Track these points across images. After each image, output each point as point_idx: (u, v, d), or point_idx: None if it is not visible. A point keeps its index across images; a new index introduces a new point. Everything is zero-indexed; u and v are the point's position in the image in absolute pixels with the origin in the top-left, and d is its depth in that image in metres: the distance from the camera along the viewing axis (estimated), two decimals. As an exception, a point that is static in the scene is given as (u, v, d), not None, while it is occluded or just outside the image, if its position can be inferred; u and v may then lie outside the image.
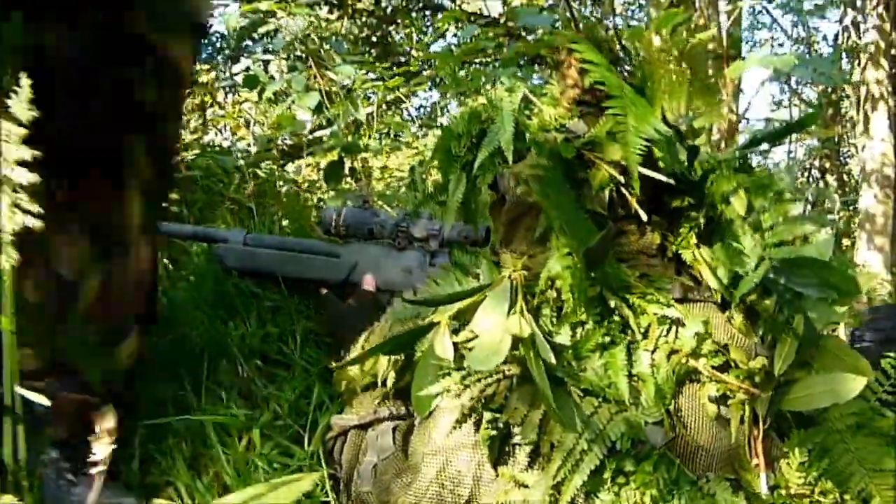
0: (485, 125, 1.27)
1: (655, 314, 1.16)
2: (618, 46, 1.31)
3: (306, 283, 1.76)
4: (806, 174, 9.58)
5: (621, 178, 1.20)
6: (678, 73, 1.25)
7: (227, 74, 4.40)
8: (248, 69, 3.75)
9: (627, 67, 1.30)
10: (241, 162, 3.16)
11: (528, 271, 1.18)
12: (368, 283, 1.68)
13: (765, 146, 1.36)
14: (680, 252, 1.26)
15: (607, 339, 1.14)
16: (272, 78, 3.33)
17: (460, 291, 1.19)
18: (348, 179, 3.20)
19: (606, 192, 1.21)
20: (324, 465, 1.30)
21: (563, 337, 1.14)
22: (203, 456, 1.30)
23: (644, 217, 1.22)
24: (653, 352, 1.14)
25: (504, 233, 1.31)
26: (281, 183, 3.50)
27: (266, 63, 3.77)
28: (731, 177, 1.25)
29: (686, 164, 1.25)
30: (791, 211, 1.23)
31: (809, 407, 1.16)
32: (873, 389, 1.33)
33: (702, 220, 1.26)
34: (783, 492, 1.10)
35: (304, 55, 3.60)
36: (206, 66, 5.26)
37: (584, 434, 1.05)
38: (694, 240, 1.26)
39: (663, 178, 1.19)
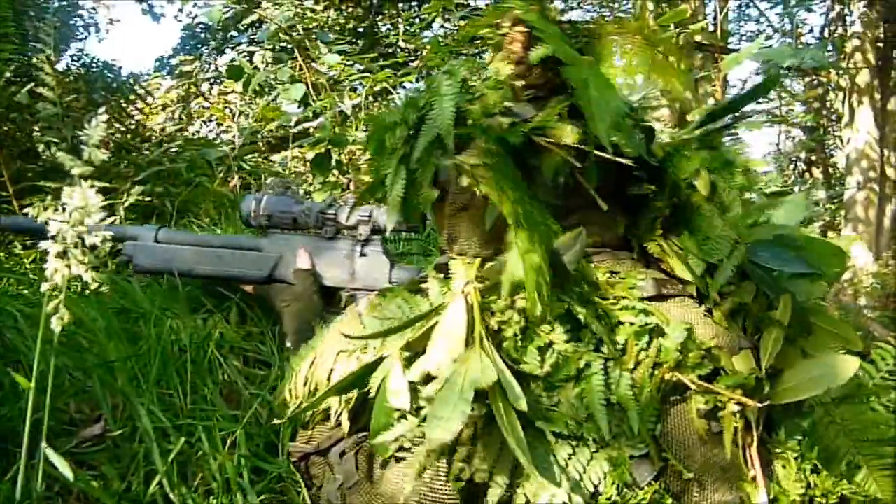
0: (422, 112, 1.15)
1: (632, 324, 1.07)
2: (567, 23, 1.23)
3: (228, 280, 1.68)
4: (792, 167, 9.60)
5: (577, 164, 1.10)
6: (638, 48, 1.19)
7: (213, 66, 4.34)
8: (232, 61, 3.70)
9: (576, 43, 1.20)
10: (226, 153, 3.13)
11: (483, 283, 1.08)
12: (303, 260, 1.61)
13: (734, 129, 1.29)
14: (645, 245, 1.19)
15: (581, 362, 1.04)
16: (257, 69, 3.30)
17: (408, 320, 1.09)
18: (335, 172, 3.18)
19: (561, 179, 1.13)
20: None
21: (531, 364, 1.04)
22: (188, 458, 1.27)
23: (604, 206, 1.13)
24: (633, 370, 1.05)
25: (448, 230, 1.23)
26: (266, 176, 3.47)
27: (251, 54, 3.73)
28: (692, 156, 1.17)
29: (644, 145, 1.17)
30: (761, 187, 1.18)
31: (803, 396, 1.06)
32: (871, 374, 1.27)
33: (665, 208, 1.18)
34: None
35: (289, 46, 3.57)
36: (190, 57, 5.22)
37: (562, 484, 0.96)
38: (659, 230, 1.19)
39: (623, 161, 1.09)
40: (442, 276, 1.18)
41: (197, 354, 1.49)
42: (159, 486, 1.17)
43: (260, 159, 3.74)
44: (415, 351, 1.08)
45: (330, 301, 1.59)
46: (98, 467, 1.24)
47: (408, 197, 1.18)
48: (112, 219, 2.38)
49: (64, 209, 0.78)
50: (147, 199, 2.65)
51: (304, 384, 1.24)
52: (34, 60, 2.82)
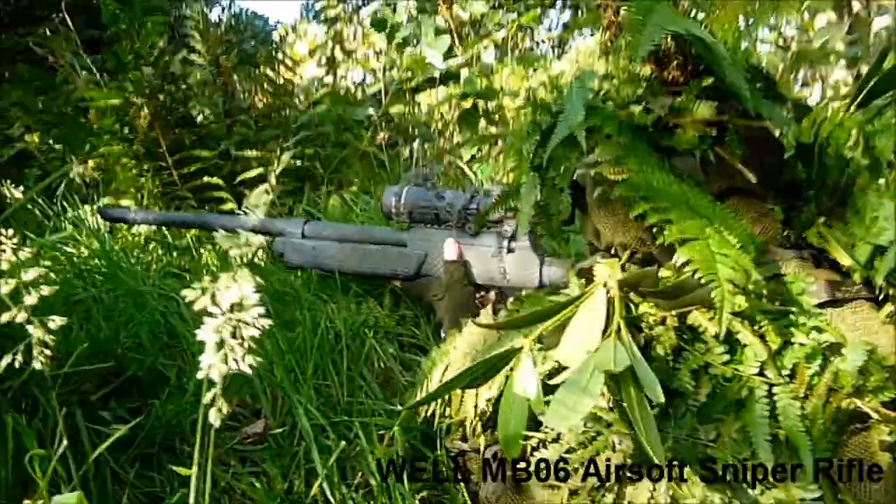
0: (554, 116, 1.07)
1: (802, 344, 0.94)
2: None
3: (376, 278, 1.64)
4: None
5: (713, 133, 1.00)
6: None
7: (356, 15, 4.30)
8: (376, 13, 3.65)
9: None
10: (372, 112, 3.10)
11: (628, 286, 0.98)
12: (451, 251, 1.52)
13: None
14: (804, 236, 1.04)
15: (742, 390, 0.93)
16: (401, 22, 3.23)
17: (543, 310, 1.00)
18: (483, 124, 3.09)
19: (698, 154, 1.01)
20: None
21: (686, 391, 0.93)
22: (347, 454, 1.25)
23: (752, 177, 1.00)
24: (803, 398, 0.92)
25: (592, 227, 1.14)
26: (413, 127, 3.42)
27: (394, 4, 3.65)
28: (846, 122, 1.03)
29: (792, 122, 1.04)
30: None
31: None
32: None
33: (824, 191, 1.05)
34: None
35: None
36: (334, 1, 5.19)
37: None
38: (820, 217, 1.05)
39: (768, 128, 0.98)
40: (583, 280, 1.09)
41: (352, 341, 1.47)
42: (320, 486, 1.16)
43: (406, 109, 3.70)
44: (549, 344, 1.01)
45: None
46: (260, 464, 1.24)
47: (545, 206, 1.12)
48: (267, 196, 2.42)
49: (216, 301, 0.73)
50: (297, 162, 2.66)
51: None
52: (186, 25, 2.87)
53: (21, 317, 0.85)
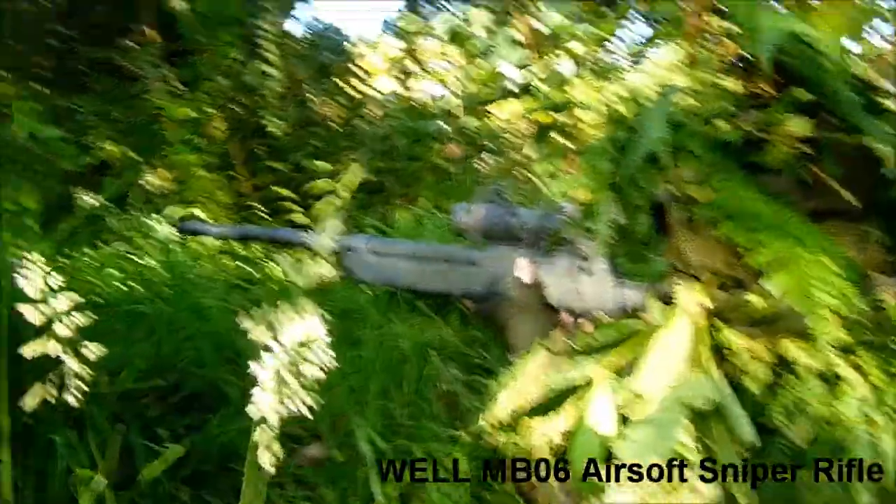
0: (632, 131, 1.01)
1: None
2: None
3: (448, 297, 1.58)
4: None
5: (809, 151, 0.92)
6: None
7: (431, 27, 4.28)
8: (451, 25, 3.61)
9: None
10: (444, 125, 3.06)
11: (715, 312, 0.91)
12: (524, 271, 1.43)
13: None
14: None
15: (843, 433, 0.84)
16: (474, 34, 3.18)
17: (620, 336, 0.96)
18: (558, 137, 3.02)
19: (790, 173, 0.93)
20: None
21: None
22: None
23: (851, 198, 0.90)
24: None
25: (676, 250, 1.06)
26: (487, 141, 3.37)
27: (467, 17, 3.61)
28: None
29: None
30: None
31: None
32: None
33: None
34: None
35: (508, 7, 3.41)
36: (413, 15, 5.20)
37: None
38: None
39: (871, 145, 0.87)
40: (664, 304, 1.01)
41: (418, 362, 1.41)
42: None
43: (479, 122, 3.65)
44: (627, 374, 0.95)
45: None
46: (316, 489, 1.19)
47: (623, 227, 1.04)
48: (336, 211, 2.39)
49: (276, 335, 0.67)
50: (370, 177, 2.63)
51: (507, 416, 1.11)
52: (261, 35, 2.88)
53: (53, 347, 0.78)
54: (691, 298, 0.94)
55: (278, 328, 0.67)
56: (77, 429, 1.08)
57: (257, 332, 0.66)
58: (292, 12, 5.21)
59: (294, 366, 0.66)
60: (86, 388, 0.78)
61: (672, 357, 0.88)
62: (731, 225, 0.85)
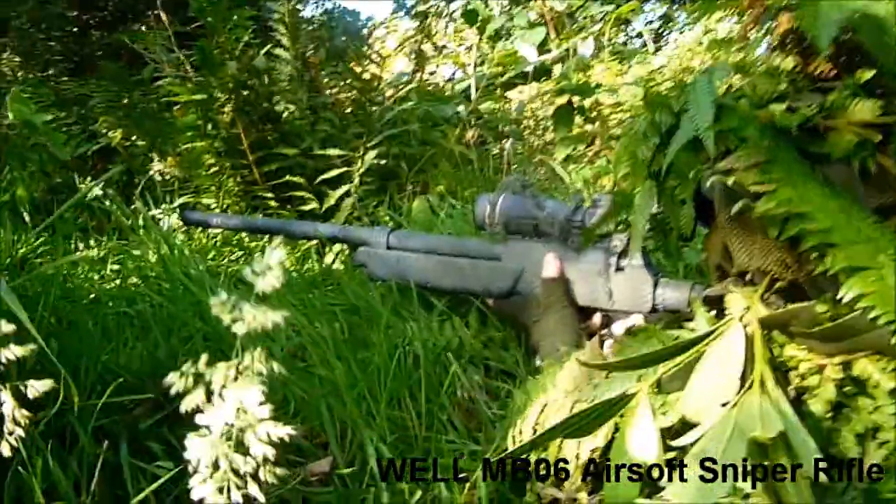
0: (677, 116, 0.91)
1: None
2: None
3: (468, 295, 1.47)
4: None
5: (877, 136, 0.81)
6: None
7: (447, 8, 4.17)
8: (467, 3, 3.49)
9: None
10: (461, 109, 2.95)
11: (774, 323, 0.80)
12: (551, 267, 1.34)
13: None
14: None
15: None
16: (491, 13, 3.07)
17: (663, 348, 0.84)
18: (579, 122, 2.90)
19: (856, 164, 0.82)
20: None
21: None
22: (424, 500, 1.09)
23: None
24: None
25: (722, 248, 0.96)
26: (504, 125, 3.26)
27: (486, -5, 3.50)
28: None
29: None
30: None
31: None
32: None
33: None
34: None
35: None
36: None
37: None
38: None
39: None
40: (713, 310, 0.90)
41: (433, 366, 1.31)
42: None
43: (497, 106, 3.53)
44: (670, 391, 0.84)
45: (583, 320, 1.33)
46: (325, 508, 1.10)
47: (662, 220, 0.97)
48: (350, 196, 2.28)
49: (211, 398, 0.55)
50: (382, 162, 2.53)
51: (532, 432, 1.01)
52: (273, 17, 2.78)
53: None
54: (744, 305, 0.83)
55: (215, 392, 0.55)
56: (58, 447, 0.98)
57: (189, 400, 0.55)
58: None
59: (236, 446, 0.54)
60: (23, 434, 0.67)
61: (724, 375, 0.76)
62: (799, 224, 0.74)
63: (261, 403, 0.54)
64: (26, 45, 3.90)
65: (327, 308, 1.50)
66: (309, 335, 1.32)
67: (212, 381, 0.55)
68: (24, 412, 0.67)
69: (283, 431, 0.55)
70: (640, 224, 0.94)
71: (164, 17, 3.00)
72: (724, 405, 0.75)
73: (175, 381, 0.56)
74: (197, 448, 0.54)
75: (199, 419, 0.55)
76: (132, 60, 3.48)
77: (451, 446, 1.16)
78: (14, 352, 0.66)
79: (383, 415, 1.18)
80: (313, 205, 2.48)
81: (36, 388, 0.68)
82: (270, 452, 0.54)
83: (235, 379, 0.55)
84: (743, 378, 0.76)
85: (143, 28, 4.01)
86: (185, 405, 0.55)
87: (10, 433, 0.67)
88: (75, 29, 4.24)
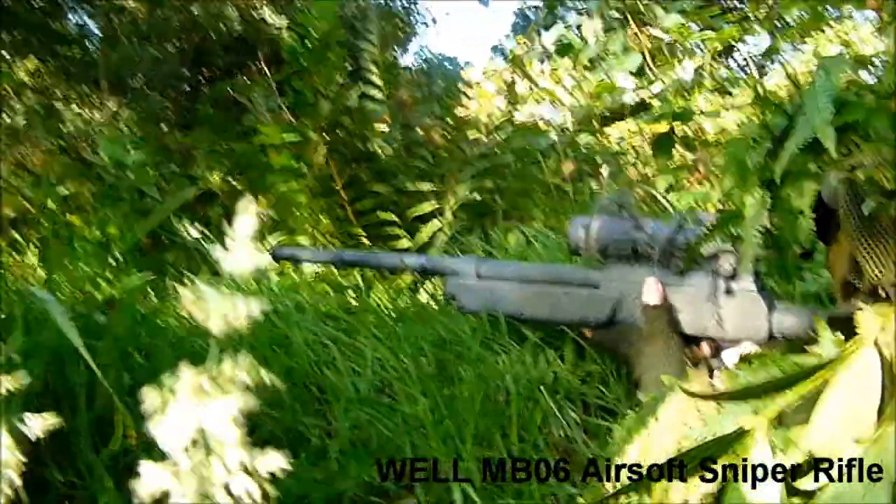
0: (792, 118, 0.82)
1: None
2: None
3: (564, 325, 1.37)
4: None
5: None
6: None
7: (540, 45, 4.13)
8: (560, 38, 3.44)
9: None
10: (556, 140, 2.88)
11: None
12: (652, 293, 1.23)
13: None
14: None
15: None
16: (586, 43, 3.00)
17: (782, 376, 0.74)
18: (679, 150, 2.79)
19: None
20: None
21: None
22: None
23: None
24: None
25: (850, 260, 0.85)
26: (601, 157, 3.17)
27: (580, 27, 3.44)
28: None
29: None
30: None
31: None
32: None
33: None
34: None
35: (622, 13, 3.22)
36: (522, 38, 5.09)
37: None
38: None
39: None
40: (840, 333, 0.78)
41: (525, 402, 1.22)
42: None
43: (594, 139, 3.45)
44: (792, 425, 0.73)
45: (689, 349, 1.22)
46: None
47: (775, 227, 0.86)
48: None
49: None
50: (476, 196, 2.48)
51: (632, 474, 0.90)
52: (365, 58, 2.81)
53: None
54: (879, 325, 0.71)
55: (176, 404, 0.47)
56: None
57: (153, 427, 0.47)
58: (407, 44, 5.24)
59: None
60: (18, 482, 0.60)
61: (857, 405, 0.66)
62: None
63: (234, 421, 0.46)
64: (143, 104, 4.12)
65: (414, 342, 1.43)
66: (394, 368, 1.26)
67: (174, 392, 0.47)
68: (19, 456, 0.59)
69: (273, 461, 0.47)
70: (752, 239, 0.85)
71: (265, 67, 3.08)
72: (857, 441, 0.64)
73: (148, 394, 0.49)
74: (151, 478, 0.45)
75: (154, 435, 0.47)
76: (238, 112, 3.60)
77: (545, 490, 1.06)
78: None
79: (471, 453, 1.10)
80: (406, 242, 2.45)
81: (46, 420, 0.62)
82: (255, 491, 0.46)
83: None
84: (880, 409, 0.65)
85: (247, 80, 4.15)
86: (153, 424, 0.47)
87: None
88: (188, 88, 4.47)
